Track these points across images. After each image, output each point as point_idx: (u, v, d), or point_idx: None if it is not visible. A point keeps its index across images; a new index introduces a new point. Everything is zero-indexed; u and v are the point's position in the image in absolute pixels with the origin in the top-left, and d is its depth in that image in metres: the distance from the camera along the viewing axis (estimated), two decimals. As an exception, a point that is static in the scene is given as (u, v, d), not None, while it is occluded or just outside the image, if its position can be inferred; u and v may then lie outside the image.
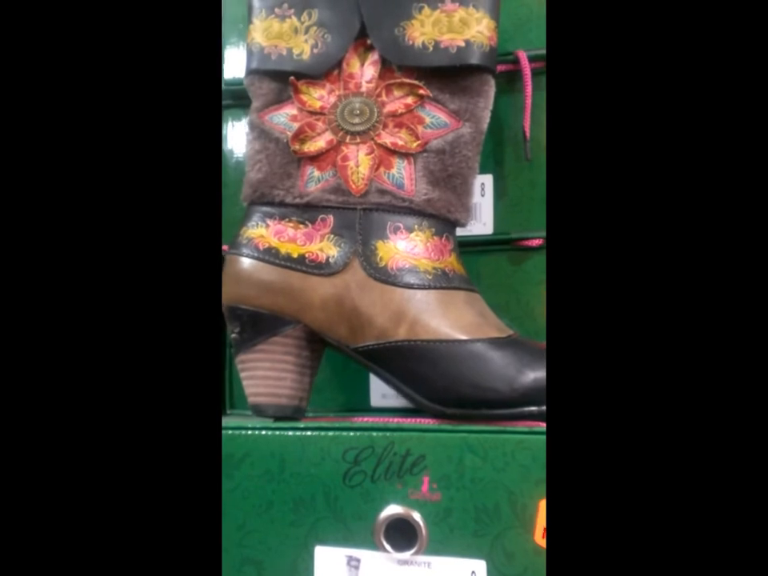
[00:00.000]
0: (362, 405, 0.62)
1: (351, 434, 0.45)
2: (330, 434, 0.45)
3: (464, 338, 0.46)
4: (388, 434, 0.44)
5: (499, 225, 0.59)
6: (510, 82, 0.58)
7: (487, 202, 0.58)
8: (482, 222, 0.58)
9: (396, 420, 0.48)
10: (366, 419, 0.49)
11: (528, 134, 0.55)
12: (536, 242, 0.58)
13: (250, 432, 0.46)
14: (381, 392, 0.60)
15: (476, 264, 0.55)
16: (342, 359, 0.53)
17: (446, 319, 0.47)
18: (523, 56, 0.56)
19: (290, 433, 0.46)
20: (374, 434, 0.45)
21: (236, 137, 0.64)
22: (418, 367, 0.47)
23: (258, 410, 0.50)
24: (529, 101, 0.55)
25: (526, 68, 0.55)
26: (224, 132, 0.65)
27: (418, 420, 0.47)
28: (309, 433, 0.45)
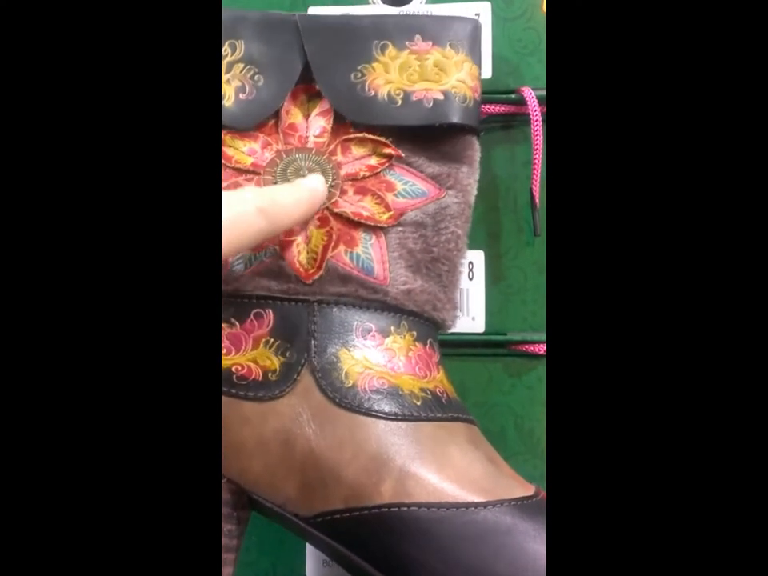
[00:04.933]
0: (294, 575, 0.47)
1: None
2: None
3: (479, 499, 0.33)
4: None
5: (493, 321, 0.45)
6: (506, 128, 0.46)
7: (477, 288, 0.45)
8: (469, 315, 0.45)
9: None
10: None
11: (537, 200, 0.42)
12: (543, 348, 0.44)
13: None
14: (321, 556, 0.46)
15: (460, 374, 0.40)
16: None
17: (448, 469, 0.34)
18: (530, 94, 0.43)
19: None
20: None
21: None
22: (412, 548, 0.33)
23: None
24: (539, 155, 0.43)
25: (536, 110, 0.43)
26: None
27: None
28: None
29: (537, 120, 0.42)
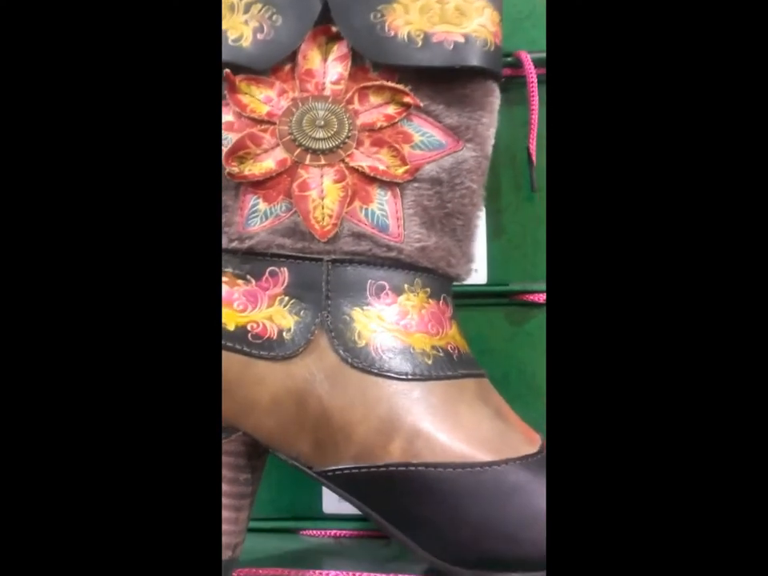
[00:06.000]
0: (312, 511, 0.48)
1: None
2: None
3: (487, 458, 0.34)
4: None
5: (495, 272, 0.47)
6: (506, 90, 0.47)
7: (479, 242, 0.46)
8: (472, 267, 0.46)
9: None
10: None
11: (534, 158, 0.44)
12: (543, 297, 0.46)
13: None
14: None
15: (464, 323, 0.42)
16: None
17: (457, 429, 0.35)
18: (527, 58, 0.44)
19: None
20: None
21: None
22: (420, 507, 0.34)
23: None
24: (535, 116, 0.45)
25: (531, 73, 0.44)
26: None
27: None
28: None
29: (533, 82, 0.43)
